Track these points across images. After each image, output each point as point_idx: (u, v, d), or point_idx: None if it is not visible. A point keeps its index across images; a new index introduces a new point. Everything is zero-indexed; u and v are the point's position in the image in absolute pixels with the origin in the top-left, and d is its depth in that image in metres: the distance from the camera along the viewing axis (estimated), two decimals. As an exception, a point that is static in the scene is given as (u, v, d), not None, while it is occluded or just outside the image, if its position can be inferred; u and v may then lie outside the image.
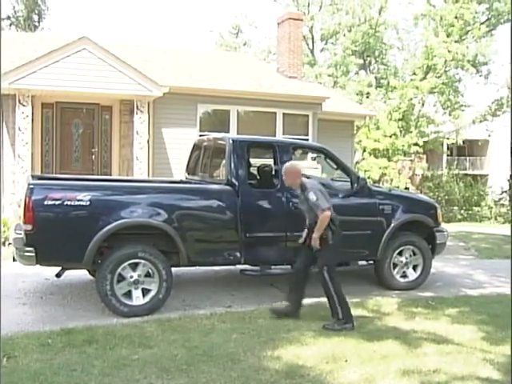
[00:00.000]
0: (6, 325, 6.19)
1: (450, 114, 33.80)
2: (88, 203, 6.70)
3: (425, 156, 37.16)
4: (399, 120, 30.26)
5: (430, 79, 30.96)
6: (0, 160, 12.76)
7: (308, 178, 7.28)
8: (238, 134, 14.45)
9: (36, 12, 34.72)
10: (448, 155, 41.05)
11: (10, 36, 19.11)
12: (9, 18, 34.15)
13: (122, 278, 6.85)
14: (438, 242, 8.87)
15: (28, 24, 33.85)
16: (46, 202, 6.54)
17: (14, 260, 7.19)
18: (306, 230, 6.88)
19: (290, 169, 6.87)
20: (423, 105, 33.64)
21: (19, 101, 12.75)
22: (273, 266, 7.86)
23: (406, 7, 62.79)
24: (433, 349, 5.91)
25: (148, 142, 13.99)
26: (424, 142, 31.96)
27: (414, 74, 33.12)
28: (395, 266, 8.61)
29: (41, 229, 6.54)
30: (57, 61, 12.80)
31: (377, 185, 18.10)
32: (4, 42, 15.73)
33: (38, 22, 35.17)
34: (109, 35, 56.54)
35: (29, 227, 6.52)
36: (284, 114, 15.80)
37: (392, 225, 8.37)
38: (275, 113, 15.73)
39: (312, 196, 6.57)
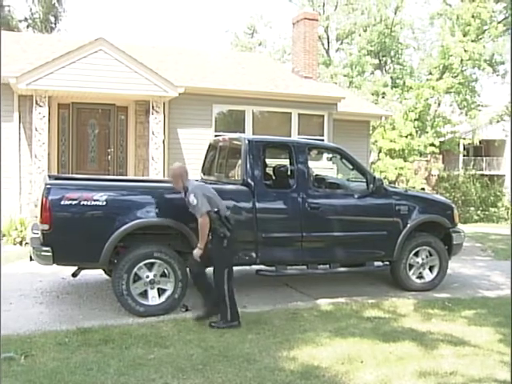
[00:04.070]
0: (24, 324, 6.26)
1: (466, 114, 33.55)
2: (104, 203, 6.72)
3: (441, 156, 36.94)
4: (415, 120, 30.06)
5: (446, 79, 30.76)
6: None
7: (200, 181, 7.02)
8: (253, 134, 14.44)
9: (52, 13, 34.93)
10: (464, 155, 40.76)
11: (27, 37, 19.28)
12: (26, 19, 34.41)
13: (137, 278, 6.87)
14: (454, 242, 8.81)
15: (45, 25, 34.07)
16: (62, 202, 6.57)
17: (31, 259, 7.24)
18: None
19: (173, 171, 6.71)
20: (439, 105, 33.44)
21: (36, 101, 12.84)
22: (288, 267, 7.85)
23: (421, 6, 62.52)
24: (449, 351, 5.87)
25: (163, 142, 14.03)
26: (440, 142, 31.73)
27: (430, 73, 32.93)
28: (411, 266, 8.57)
29: (57, 228, 6.58)
30: (73, 62, 12.86)
31: (393, 185, 18.00)
32: (21, 44, 15.93)
33: (55, 24, 35.38)
34: (125, 36, 56.86)
35: (46, 227, 6.56)
36: (299, 114, 15.77)
37: (408, 225, 8.33)
38: (290, 113, 15.70)
39: (192, 199, 6.40)
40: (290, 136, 15.12)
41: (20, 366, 5.15)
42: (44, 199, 6.55)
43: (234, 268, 6.70)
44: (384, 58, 38.33)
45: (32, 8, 34.29)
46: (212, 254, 6.56)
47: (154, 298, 6.93)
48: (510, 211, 26.67)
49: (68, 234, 6.65)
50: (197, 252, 6.52)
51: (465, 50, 29.84)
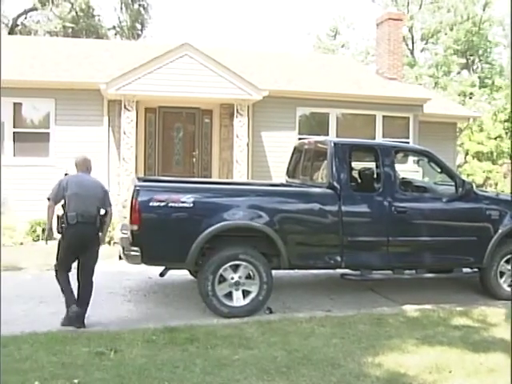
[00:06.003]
0: (114, 320, 6.48)
1: (561, 115, 31.97)
2: (191, 205, 6.85)
3: (533, 159, 35.34)
4: (505, 121, 28.93)
5: (538, 78, 29.43)
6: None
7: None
8: (337, 136, 14.33)
9: (139, 21, 36.08)
10: (558, 158, 38.81)
11: (115, 44, 19.98)
12: (114, 27, 35.76)
13: (223, 279, 6.95)
14: (550, 250, 8.39)
15: (131, 33, 35.25)
16: (151, 204, 6.75)
17: (120, 258, 7.48)
18: None
19: (75, 160, 6.78)
20: (531, 105, 32.03)
21: (124, 106, 13.25)
22: (373, 271, 7.74)
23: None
24: (545, 364, 5.59)
25: (247, 145, 14.14)
26: (532, 144, 30.42)
27: (522, 72, 31.62)
28: (502, 274, 8.23)
29: (146, 229, 6.75)
30: (160, 67, 13.20)
31: (483, 189, 17.39)
32: (110, 51, 16.55)
33: (141, 31, 36.55)
34: (208, 40, 57.81)
35: (135, 227, 6.74)
36: (384, 116, 15.52)
37: (499, 231, 8.01)
38: (375, 115, 15.48)
39: None
40: (374, 138, 14.93)
41: (110, 360, 5.33)
42: (134, 201, 6.74)
43: (319, 271, 6.65)
44: (471, 57, 37.16)
45: (120, 16, 35.61)
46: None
47: (238, 300, 6.99)
48: None
49: (156, 235, 6.82)
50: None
51: (559, 47, 28.48)
